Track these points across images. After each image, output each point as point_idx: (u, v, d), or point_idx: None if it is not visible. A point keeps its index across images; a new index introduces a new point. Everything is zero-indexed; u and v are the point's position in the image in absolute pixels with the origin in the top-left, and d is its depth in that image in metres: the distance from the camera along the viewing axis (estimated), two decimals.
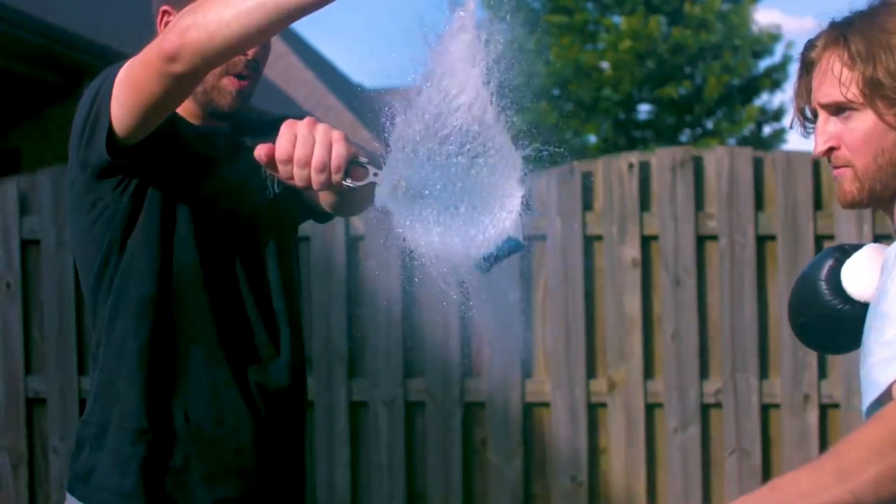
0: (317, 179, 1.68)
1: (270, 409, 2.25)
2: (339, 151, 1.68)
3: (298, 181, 1.69)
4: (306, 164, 1.68)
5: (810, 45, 1.79)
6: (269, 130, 2.34)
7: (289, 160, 1.69)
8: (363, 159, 1.69)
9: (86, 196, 2.16)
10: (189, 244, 2.17)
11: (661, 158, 4.57)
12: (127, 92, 1.99)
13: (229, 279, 2.22)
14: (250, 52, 2.20)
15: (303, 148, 1.69)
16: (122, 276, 2.17)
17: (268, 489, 2.25)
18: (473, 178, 1.51)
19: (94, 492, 2.20)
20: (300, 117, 2.42)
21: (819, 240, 4.45)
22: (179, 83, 1.94)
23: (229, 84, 2.21)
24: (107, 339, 2.20)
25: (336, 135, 1.70)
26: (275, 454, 2.27)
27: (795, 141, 42.37)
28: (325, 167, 1.68)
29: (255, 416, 2.23)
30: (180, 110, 2.23)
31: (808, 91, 1.80)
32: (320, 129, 1.71)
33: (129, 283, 2.17)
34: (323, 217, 2.38)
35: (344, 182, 1.68)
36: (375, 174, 1.65)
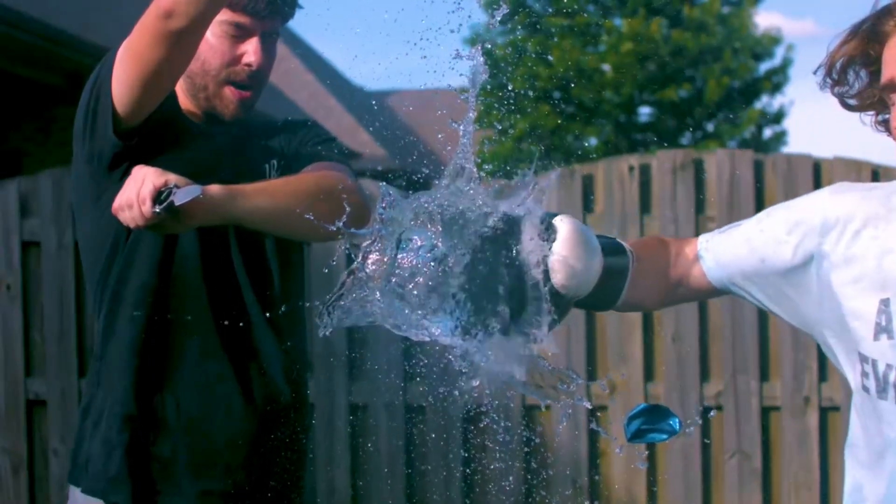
0: (128, 216, 1.89)
1: (265, 406, 2.25)
2: (145, 186, 1.87)
3: (130, 223, 1.90)
4: (123, 207, 1.90)
5: (886, 13, 1.73)
6: (273, 134, 2.35)
7: (117, 210, 1.91)
8: (175, 185, 1.87)
9: (92, 190, 2.17)
10: (191, 236, 2.19)
11: (661, 161, 4.57)
12: (128, 64, 2.01)
13: (229, 273, 2.23)
14: (254, 63, 2.20)
15: (119, 196, 1.90)
16: (125, 265, 2.19)
17: (256, 486, 2.25)
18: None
19: (87, 477, 2.22)
20: (302, 121, 2.44)
21: None
22: (179, 42, 1.96)
23: (231, 94, 2.22)
24: (107, 327, 2.22)
25: (145, 172, 1.89)
26: (267, 452, 2.26)
27: (796, 143, 42.39)
28: (132, 203, 1.88)
29: (248, 412, 2.23)
30: (186, 112, 2.24)
31: (868, 58, 1.75)
32: (132, 174, 1.91)
33: (130, 272, 2.19)
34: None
35: (156, 210, 1.86)
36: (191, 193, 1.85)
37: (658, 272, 1.87)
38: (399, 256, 1.46)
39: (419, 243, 1.47)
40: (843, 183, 1.86)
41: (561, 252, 1.57)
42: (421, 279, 1.46)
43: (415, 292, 1.46)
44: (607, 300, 1.77)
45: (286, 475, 2.31)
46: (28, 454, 4.68)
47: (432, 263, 1.46)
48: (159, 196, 1.87)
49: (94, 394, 2.24)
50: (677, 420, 1.73)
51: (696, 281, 1.90)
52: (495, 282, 1.49)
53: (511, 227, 1.52)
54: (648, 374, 4.52)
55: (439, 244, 1.47)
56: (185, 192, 1.85)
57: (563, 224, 1.60)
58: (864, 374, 1.73)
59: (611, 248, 1.73)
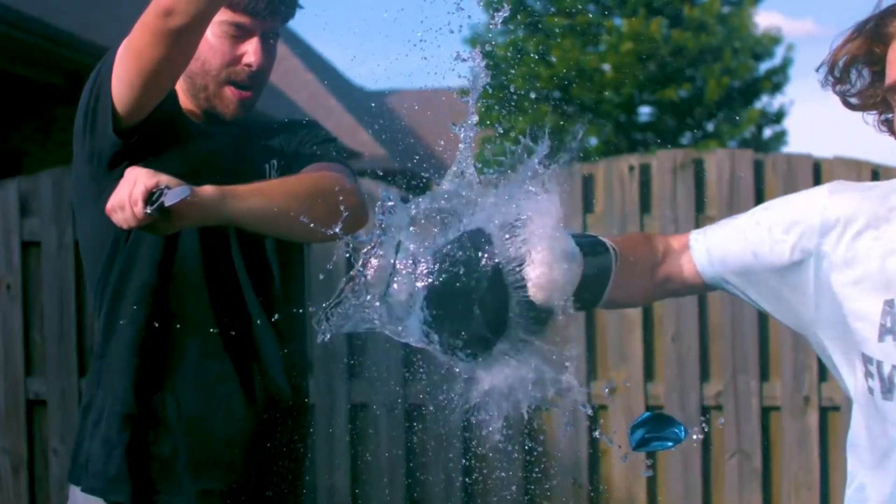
0: (121, 217, 1.88)
1: (265, 405, 2.25)
2: (137, 188, 1.86)
3: (122, 225, 1.89)
4: (115, 208, 1.90)
5: (891, 14, 1.73)
6: (273, 134, 2.35)
7: (110, 212, 1.91)
8: (166, 186, 1.87)
9: (92, 189, 2.17)
10: (192, 236, 2.19)
11: (661, 161, 4.57)
12: (128, 63, 2.01)
13: (230, 273, 2.23)
14: (254, 64, 2.20)
15: (112, 197, 1.89)
16: (126, 264, 2.20)
17: (256, 485, 2.25)
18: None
19: (87, 476, 2.22)
20: (302, 121, 2.44)
21: None
22: (178, 40, 1.96)
23: (231, 94, 2.22)
24: (107, 326, 2.22)
25: (137, 173, 1.88)
26: (267, 451, 2.26)
27: (796, 143, 42.39)
28: (124, 205, 1.87)
29: (249, 412, 2.23)
30: (186, 111, 2.24)
31: (871, 57, 1.75)
32: (125, 176, 1.90)
33: (131, 272, 2.19)
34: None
35: (147, 211, 1.85)
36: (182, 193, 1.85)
37: (643, 269, 1.85)
38: (397, 264, 1.46)
39: (417, 251, 1.46)
40: (840, 181, 1.85)
41: (536, 263, 1.55)
42: (417, 287, 1.45)
43: (411, 300, 1.45)
44: (590, 300, 1.75)
45: (286, 475, 2.31)
46: (28, 454, 4.68)
47: (427, 271, 1.45)
48: (151, 197, 1.87)
49: (94, 393, 2.24)
50: (682, 428, 1.73)
51: (685, 273, 1.88)
52: (480, 295, 1.47)
53: (495, 237, 1.51)
54: (648, 374, 4.52)
55: (435, 252, 1.46)
56: (175, 193, 1.86)
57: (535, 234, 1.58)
58: (869, 375, 1.72)
59: (592, 249, 1.71)
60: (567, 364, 1.53)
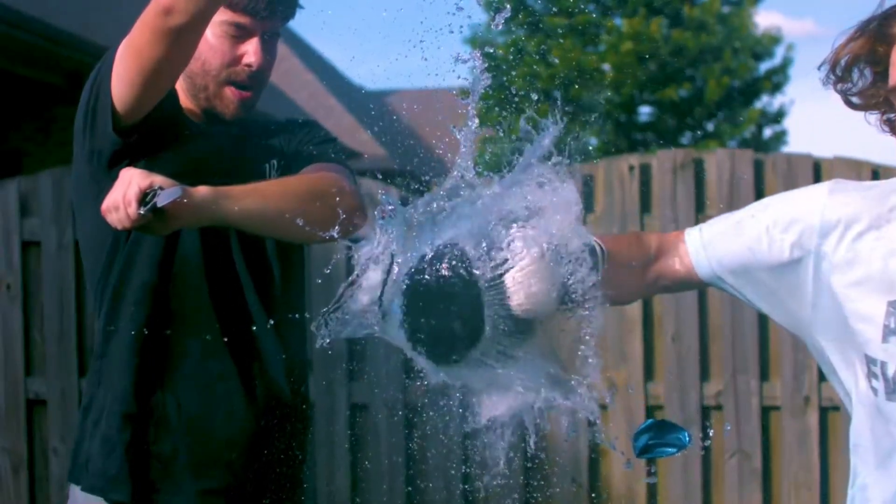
0: (115, 218, 1.89)
1: (265, 405, 2.25)
2: (131, 188, 1.87)
3: (117, 225, 1.90)
4: (110, 209, 1.91)
5: (894, 15, 1.72)
6: (273, 134, 2.35)
7: (105, 212, 1.92)
8: (159, 187, 1.87)
9: (92, 189, 2.17)
10: (192, 235, 2.19)
11: (661, 161, 4.57)
12: (128, 61, 2.01)
13: (230, 272, 2.23)
14: (254, 64, 2.20)
15: (107, 198, 1.90)
16: (126, 263, 2.20)
17: (256, 485, 2.25)
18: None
19: (87, 476, 2.22)
20: (302, 121, 2.44)
21: None
22: (178, 39, 1.96)
23: (231, 94, 2.22)
24: (108, 326, 2.22)
25: (132, 174, 1.89)
26: (267, 451, 2.26)
27: (796, 143, 42.37)
28: (118, 206, 1.87)
29: (249, 411, 2.23)
30: (186, 111, 2.24)
31: (874, 57, 1.74)
32: (120, 176, 1.91)
33: (131, 271, 2.19)
34: None
35: (140, 212, 1.86)
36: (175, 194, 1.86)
37: (634, 267, 1.85)
38: (393, 269, 1.45)
39: (408, 257, 1.45)
40: (839, 180, 1.85)
41: (517, 272, 1.50)
42: (400, 295, 1.44)
43: (395, 307, 1.44)
44: None
45: (286, 474, 2.31)
46: (28, 454, 4.68)
47: (409, 281, 1.44)
48: (145, 198, 1.87)
49: (94, 392, 2.25)
50: (686, 433, 1.73)
51: (680, 270, 1.87)
52: (458, 307, 1.45)
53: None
54: (648, 374, 4.52)
55: (418, 261, 1.45)
56: (168, 194, 1.86)
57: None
58: (872, 376, 1.71)
59: None
60: (585, 390, 1.50)
